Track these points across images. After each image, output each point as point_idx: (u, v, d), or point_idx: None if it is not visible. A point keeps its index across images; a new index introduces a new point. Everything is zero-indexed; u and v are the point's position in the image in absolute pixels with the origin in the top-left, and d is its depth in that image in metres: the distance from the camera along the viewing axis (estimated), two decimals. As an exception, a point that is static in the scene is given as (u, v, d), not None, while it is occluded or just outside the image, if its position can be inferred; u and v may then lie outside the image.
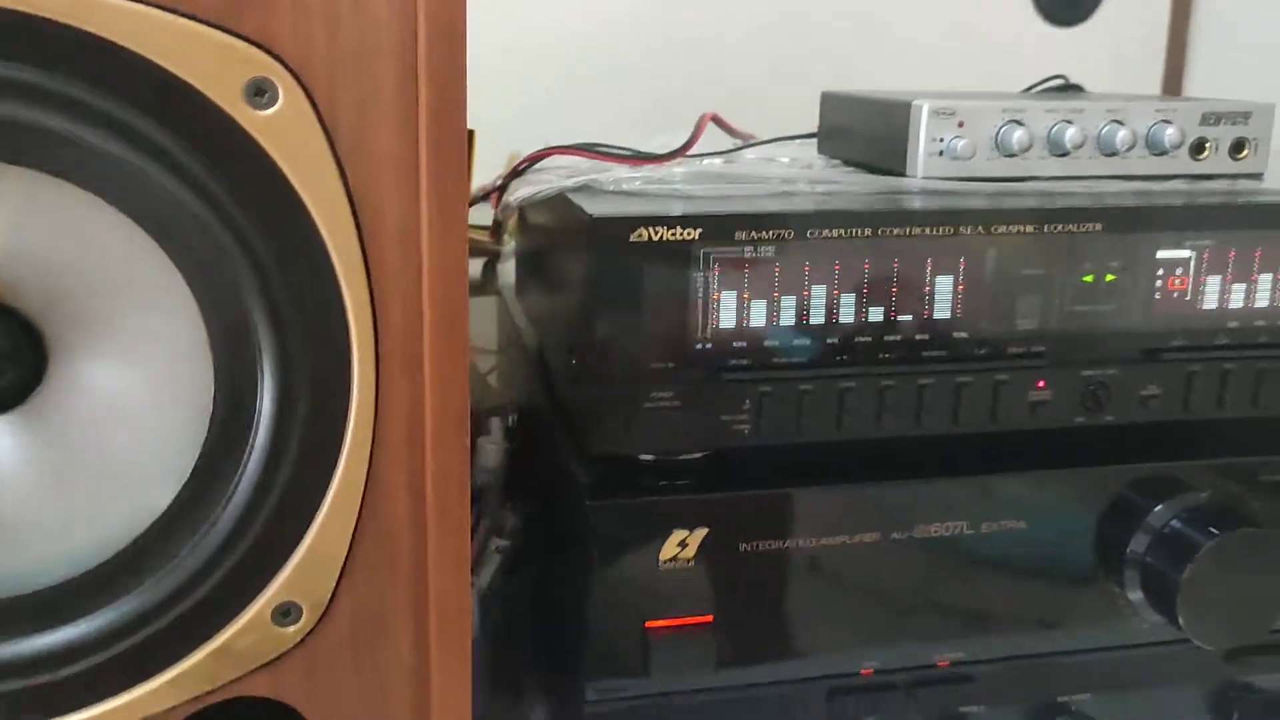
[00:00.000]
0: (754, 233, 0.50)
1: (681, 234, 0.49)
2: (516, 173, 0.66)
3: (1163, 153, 0.61)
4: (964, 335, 0.53)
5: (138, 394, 0.42)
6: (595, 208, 0.50)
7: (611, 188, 0.55)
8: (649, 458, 0.55)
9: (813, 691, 0.57)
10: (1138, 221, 0.54)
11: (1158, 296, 0.55)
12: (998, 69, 1.13)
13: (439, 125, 0.40)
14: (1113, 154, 0.61)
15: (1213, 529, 0.55)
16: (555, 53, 0.99)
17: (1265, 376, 0.57)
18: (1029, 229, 0.52)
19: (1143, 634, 0.59)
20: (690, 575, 0.53)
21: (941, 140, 0.58)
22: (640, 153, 0.64)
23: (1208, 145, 0.62)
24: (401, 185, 0.41)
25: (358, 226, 0.41)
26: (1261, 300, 0.56)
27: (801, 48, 1.09)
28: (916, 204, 0.53)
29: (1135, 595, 0.58)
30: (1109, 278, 0.54)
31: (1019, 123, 0.59)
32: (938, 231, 0.51)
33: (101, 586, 0.41)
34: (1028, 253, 0.53)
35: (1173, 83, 1.21)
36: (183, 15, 0.37)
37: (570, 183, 0.56)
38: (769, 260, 0.50)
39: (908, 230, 0.51)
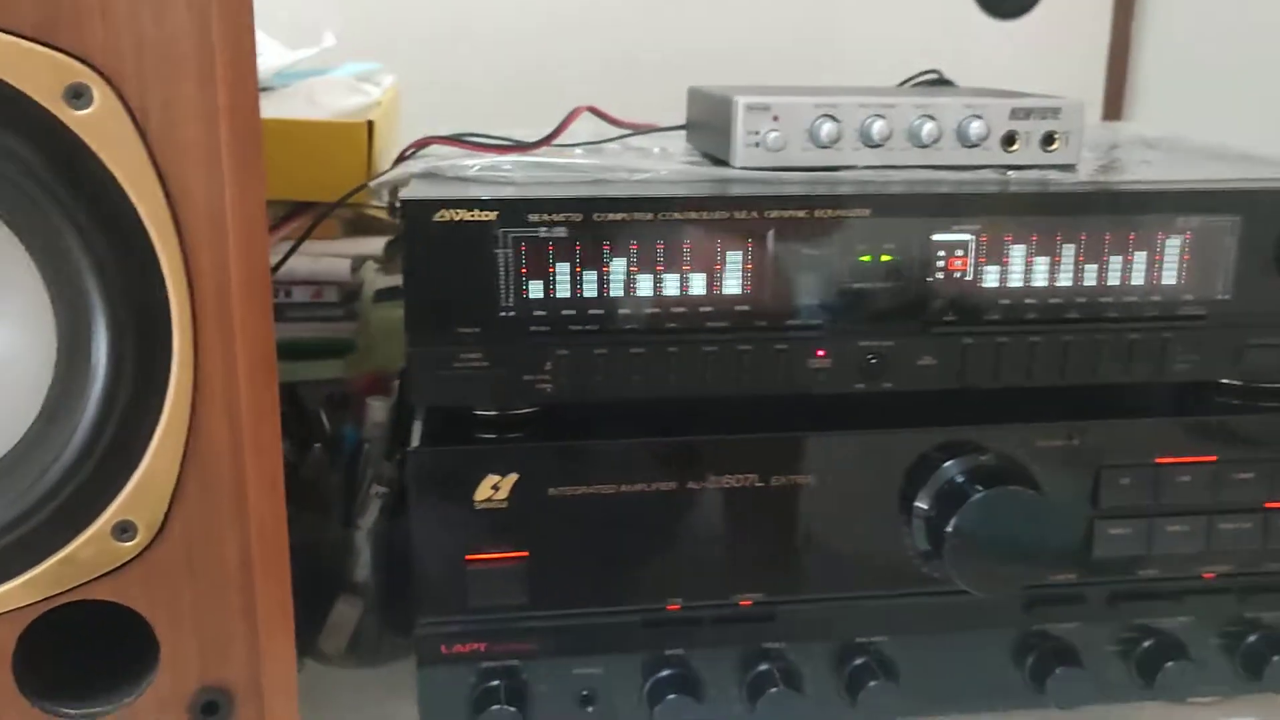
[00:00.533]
0: (545, 215, 0.57)
1: (481, 215, 0.56)
2: (402, 159, 0.74)
3: (973, 145, 0.67)
4: (746, 308, 0.60)
5: (-2, 345, 0.50)
6: (415, 192, 0.58)
7: (450, 174, 0.63)
8: (488, 413, 0.63)
9: (626, 623, 0.64)
10: (903, 206, 0.60)
11: (936, 276, 0.61)
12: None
13: (235, 119, 0.48)
14: (924, 146, 0.66)
15: (979, 486, 0.61)
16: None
17: (1037, 350, 0.62)
18: (800, 213, 0.59)
19: (934, 582, 0.65)
20: (504, 516, 0.61)
21: (757, 133, 0.65)
22: (509, 142, 0.71)
23: (1018, 138, 0.67)
24: (207, 170, 0.49)
25: (170, 205, 0.49)
26: (1037, 280, 0.62)
27: (748, 46, 1.15)
28: (706, 190, 0.60)
29: (922, 546, 0.64)
30: (885, 258, 0.60)
31: (831, 117, 0.65)
32: (712, 215, 0.58)
33: (-36, 503, 0.50)
34: (805, 235, 0.59)
35: (1117, 68, 1.25)
36: (8, 33, 0.45)
37: (417, 168, 0.64)
38: (561, 239, 0.58)
39: (684, 214, 0.58)
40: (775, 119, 0.65)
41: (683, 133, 0.79)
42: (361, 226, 0.86)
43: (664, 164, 0.67)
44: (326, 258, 0.80)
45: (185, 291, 0.50)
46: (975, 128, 0.66)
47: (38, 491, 0.51)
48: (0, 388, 0.51)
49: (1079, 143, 0.68)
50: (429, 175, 0.63)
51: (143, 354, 0.51)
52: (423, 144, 0.74)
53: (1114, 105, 1.24)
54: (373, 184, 0.56)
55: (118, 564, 0.53)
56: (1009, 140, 0.67)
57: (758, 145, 0.65)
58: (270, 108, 0.81)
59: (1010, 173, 0.67)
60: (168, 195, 0.49)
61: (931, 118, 0.66)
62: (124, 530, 0.52)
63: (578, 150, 0.73)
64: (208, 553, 0.54)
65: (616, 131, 0.80)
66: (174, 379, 0.51)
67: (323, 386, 0.82)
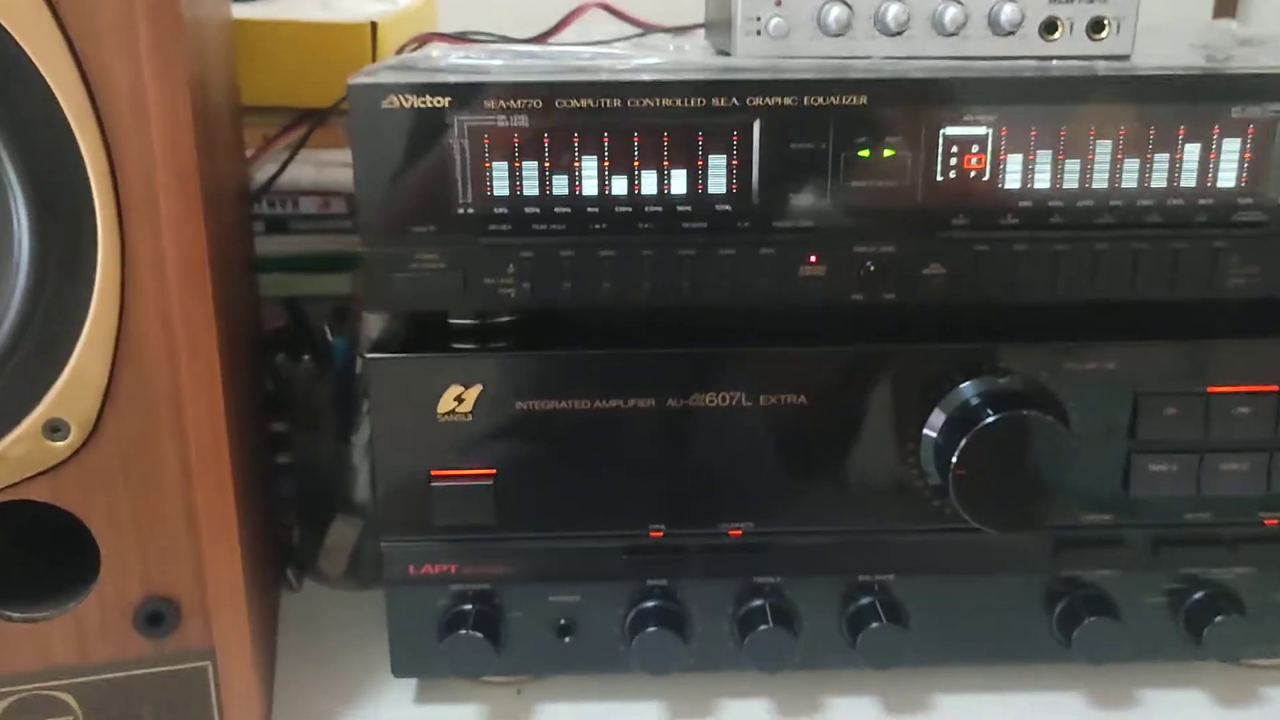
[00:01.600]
0: (503, 101, 0.52)
1: (432, 101, 0.52)
2: (399, 55, 0.70)
3: (1006, 33, 0.59)
4: (728, 208, 0.54)
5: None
6: (361, 77, 0.53)
7: (424, 65, 0.59)
8: (463, 321, 0.59)
9: (606, 549, 0.60)
10: (907, 95, 0.53)
11: (947, 174, 0.54)
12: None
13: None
14: (949, 34, 0.59)
15: (991, 411, 0.55)
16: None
17: (1063, 260, 0.55)
18: (788, 101, 0.53)
19: (947, 518, 0.58)
20: (469, 430, 0.57)
21: (758, 19, 0.59)
22: (507, 38, 0.67)
23: (1059, 25, 0.60)
24: (125, 53, 0.46)
25: (88, 89, 0.46)
26: (1068, 181, 0.55)
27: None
28: (690, 77, 0.54)
29: (932, 478, 0.58)
30: (887, 153, 0.54)
31: (841, 0, 0.59)
32: (690, 103, 0.53)
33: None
34: (795, 127, 0.53)
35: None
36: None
37: (391, 61, 0.60)
38: (523, 128, 0.53)
39: (657, 101, 0.52)
40: (778, 4, 0.59)
41: (704, 32, 0.73)
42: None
43: (670, 59, 0.61)
44: (332, 167, 0.77)
45: (108, 181, 0.48)
46: (1008, 12, 0.59)
47: (-35, 387, 0.49)
48: (-75, 279, 0.49)
49: (1133, 29, 0.60)
50: (400, 68, 0.59)
51: (68, 246, 0.48)
52: (423, 40, 0.70)
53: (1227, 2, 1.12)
54: (350, 81, 0.53)
55: (51, 464, 0.51)
56: (1049, 27, 0.59)
57: (759, 33, 0.59)
58: (279, 10, 0.78)
59: (1055, 64, 0.59)
60: (85, 80, 0.46)
61: (957, 1, 0.59)
62: (55, 429, 0.50)
63: (582, 48, 0.68)
64: (144, 459, 0.52)
65: (634, 31, 0.75)
66: (100, 273, 0.49)
67: (330, 301, 0.80)
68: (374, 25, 0.75)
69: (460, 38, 0.68)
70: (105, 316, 0.49)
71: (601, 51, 0.62)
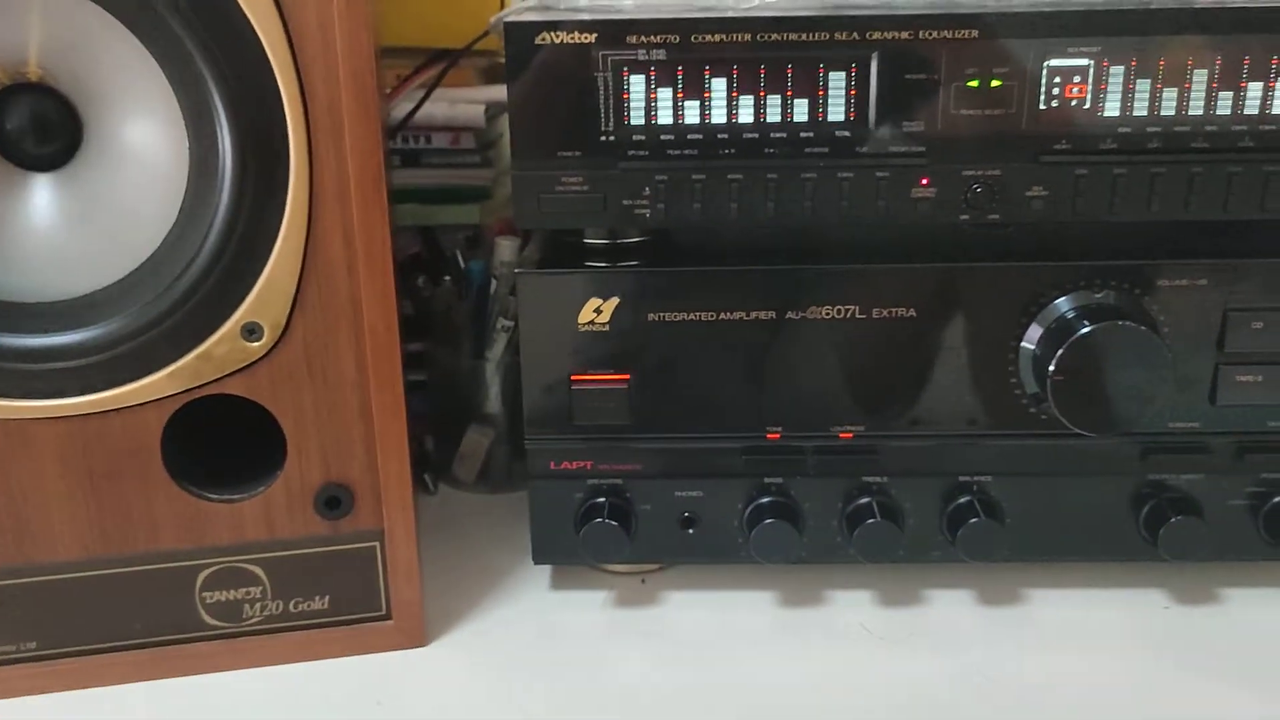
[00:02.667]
0: (644, 36, 0.58)
1: (579, 37, 0.58)
2: None
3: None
4: (846, 134, 0.59)
5: (141, 159, 0.56)
6: (516, 15, 0.59)
7: (563, 5, 0.64)
8: (599, 241, 0.65)
9: (726, 449, 0.65)
10: (1014, 28, 0.57)
11: (1050, 103, 0.59)
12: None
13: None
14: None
15: (1087, 322, 0.59)
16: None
17: (1158, 182, 0.59)
18: (904, 35, 0.57)
19: (1043, 424, 0.63)
20: (606, 339, 0.63)
21: (873, -40, 0.63)
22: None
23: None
24: (318, -7, 0.52)
25: (284, 25, 0.53)
26: (1165, 109, 0.59)
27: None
28: (811, 13, 0.59)
29: (1030, 386, 0.63)
30: (995, 83, 0.59)
31: (953, -58, 0.63)
32: (814, 38, 0.58)
33: (114, 302, 0.56)
34: (909, 59, 0.58)
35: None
36: None
37: (532, 2, 0.66)
38: (661, 62, 0.58)
39: (784, 36, 0.57)
40: (893, -55, 0.63)
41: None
42: (498, 74, 0.88)
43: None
44: (462, 104, 0.83)
45: (300, 108, 0.54)
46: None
47: (179, 289, 0.56)
48: (145, 196, 0.56)
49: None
50: (541, 8, 0.64)
51: (265, 167, 0.55)
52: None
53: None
54: (491, 21, 0.58)
55: (247, 362, 0.58)
56: (1150, -37, 0.63)
57: (874, -27, 0.63)
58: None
59: (1153, -1, 0.62)
60: (281, 15, 0.52)
61: (1063, -61, 0.62)
62: (251, 331, 0.57)
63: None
64: (327, 359, 0.58)
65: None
66: (291, 192, 0.55)
67: (460, 231, 0.86)
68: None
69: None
70: (295, 231, 0.56)
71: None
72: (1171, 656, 0.63)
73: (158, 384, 0.57)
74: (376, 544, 0.62)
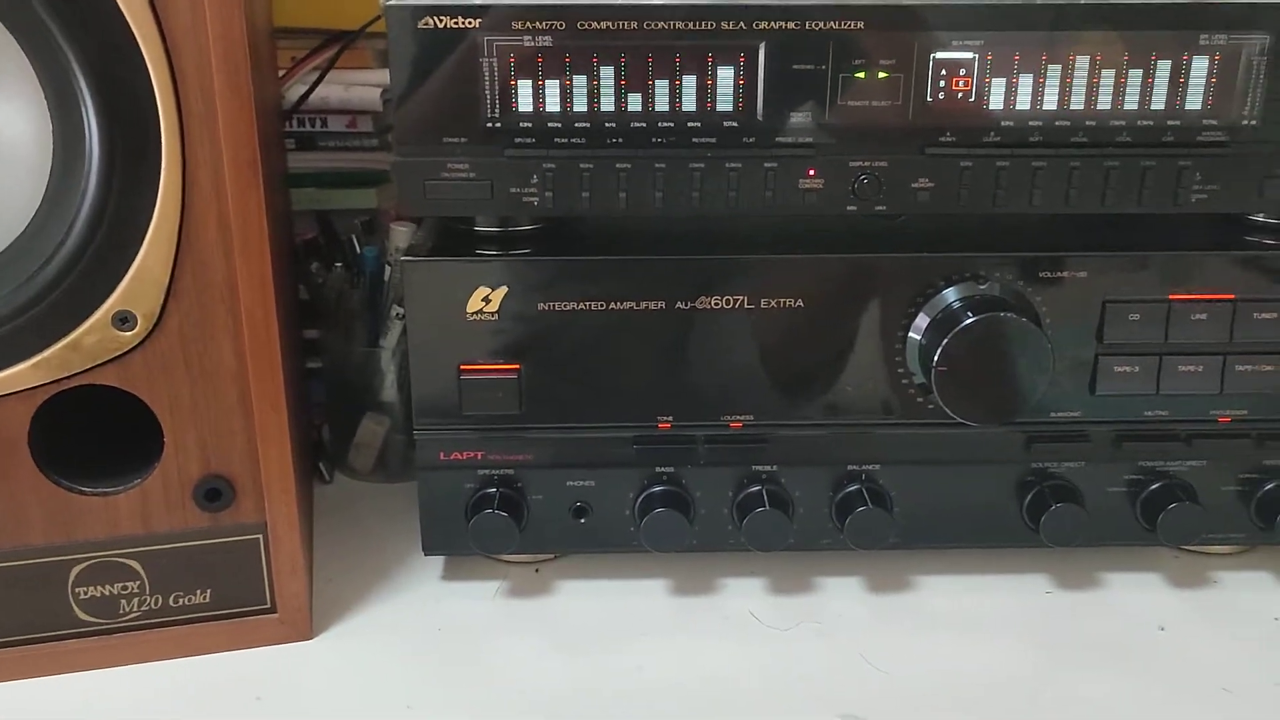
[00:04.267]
0: (529, 22, 0.57)
1: (463, 22, 0.57)
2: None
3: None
4: (734, 124, 0.59)
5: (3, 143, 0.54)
6: (405, 1, 0.58)
7: (453, -11, 0.63)
8: (490, 228, 0.64)
9: (618, 438, 0.65)
10: (901, 21, 0.58)
11: (936, 95, 0.59)
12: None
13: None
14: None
15: (971, 314, 0.60)
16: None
17: (1040, 176, 0.60)
18: (791, 26, 0.57)
19: (931, 413, 0.64)
20: (496, 328, 0.62)
21: (764, -51, 0.63)
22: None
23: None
24: (185, -33, 0.51)
25: (152, 6, 0.51)
26: (1047, 104, 0.60)
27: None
28: (701, 2, 0.58)
29: (917, 376, 0.63)
30: (882, 75, 0.59)
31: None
32: (702, 27, 0.57)
33: (-24, 288, 0.54)
34: (797, 50, 0.58)
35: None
36: None
37: (420, -14, 0.64)
38: (547, 48, 0.57)
39: (671, 24, 0.57)
40: (784, -67, 0.63)
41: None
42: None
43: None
44: (358, 87, 0.82)
45: (170, 91, 0.52)
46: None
47: (44, 278, 0.54)
48: (4, 180, 0.54)
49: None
50: (430, -10, 0.63)
51: (134, 151, 0.53)
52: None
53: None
54: (382, 3, 0.57)
55: (120, 352, 0.56)
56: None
57: (765, -39, 0.63)
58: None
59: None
60: (149, -6, 0.51)
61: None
62: (124, 320, 0.56)
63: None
64: (203, 347, 0.57)
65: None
66: (163, 178, 0.54)
67: (358, 215, 0.85)
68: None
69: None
70: (168, 217, 0.55)
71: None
72: (1052, 640, 0.64)
73: (22, 374, 0.56)
74: (260, 536, 0.61)
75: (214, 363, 0.57)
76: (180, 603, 0.61)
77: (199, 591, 0.61)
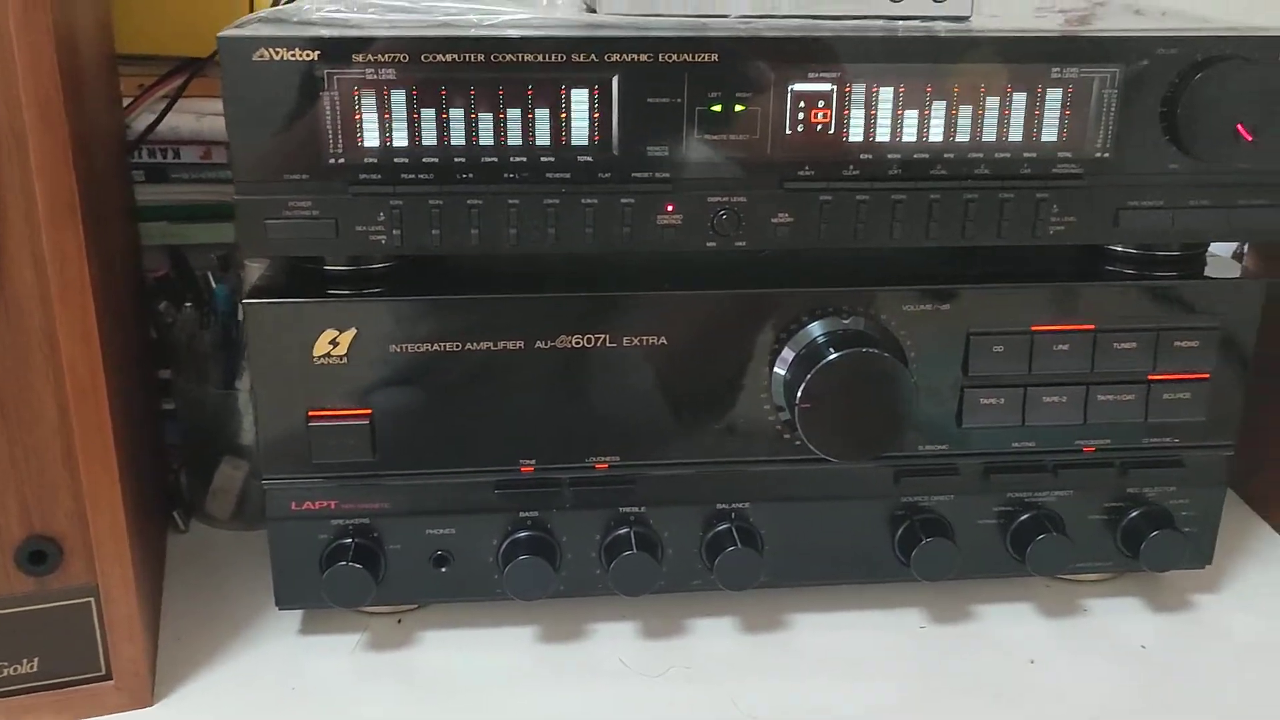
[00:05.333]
0: (371, 55, 0.54)
1: (302, 55, 0.54)
2: (275, 3, 0.71)
3: (856, -7, 0.63)
4: (589, 159, 0.57)
5: None
6: (233, 30, 0.55)
7: (296, 17, 0.60)
8: (340, 268, 0.61)
9: (478, 484, 0.63)
10: (755, 53, 0.56)
11: (796, 129, 0.58)
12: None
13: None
14: (802, -7, 0.62)
15: (833, 350, 0.59)
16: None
17: (899, 209, 0.59)
18: (644, 58, 0.56)
19: (799, 449, 0.63)
20: (345, 372, 0.59)
21: (623, -24, 0.61)
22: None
23: (904, -13, 0.63)
24: (-12, -6, 0.47)
25: (-48, 33, 0.47)
26: (904, 134, 0.59)
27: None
28: (550, 34, 0.57)
29: (784, 413, 0.62)
30: (739, 108, 0.57)
31: (705, -41, 0.61)
32: (553, 59, 0.55)
33: None
34: (651, 82, 0.56)
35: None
36: None
37: (265, 13, 0.62)
38: (392, 82, 0.55)
39: (520, 57, 0.55)
40: (639, -38, 0.61)
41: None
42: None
43: (539, 13, 0.64)
44: (212, 117, 0.78)
45: (-25, 124, 0.49)
46: (856, -26, 0.62)
47: None
48: None
49: (970, -9, 0.64)
50: (273, 20, 0.60)
51: (-63, 191, 0.49)
52: (300, -8, 0.71)
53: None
54: (220, 34, 0.54)
55: (-73, 409, 0.52)
56: (895, -11, 0.63)
57: (624, -11, 0.61)
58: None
59: (899, 24, 0.62)
60: (-52, 22, 0.47)
61: (808, -38, 0.62)
62: (-68, 374, 0.52)
63: (454, 2, 0.69)
64: (21, 399, 0.53)
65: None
66: (-28, 218, 0.50)
67: (214, 250, 0.81)
68: (253, -27, 0.76)
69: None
70: (-22, 261, 0.51)
71: (472, 6, 0.64)
72: (925, 676, 0.63)
73: None
74: (91, 599, 0.57)
75: (33, 416, 0.54)
76: (4, 674, 0.57)
77: (25, 661, 0.57)
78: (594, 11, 0.63)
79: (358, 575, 0.61)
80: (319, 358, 0.59)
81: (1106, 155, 0.60)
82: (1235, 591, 0.71)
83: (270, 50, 0.54)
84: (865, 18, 0.63)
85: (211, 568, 0.73)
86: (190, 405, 0.76)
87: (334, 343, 0.59)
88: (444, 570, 0.64)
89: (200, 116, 0.78)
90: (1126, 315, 0.63)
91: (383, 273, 0.62)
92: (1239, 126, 0.58)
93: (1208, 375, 0.64)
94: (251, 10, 0.77)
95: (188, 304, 0.74)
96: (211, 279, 0.77)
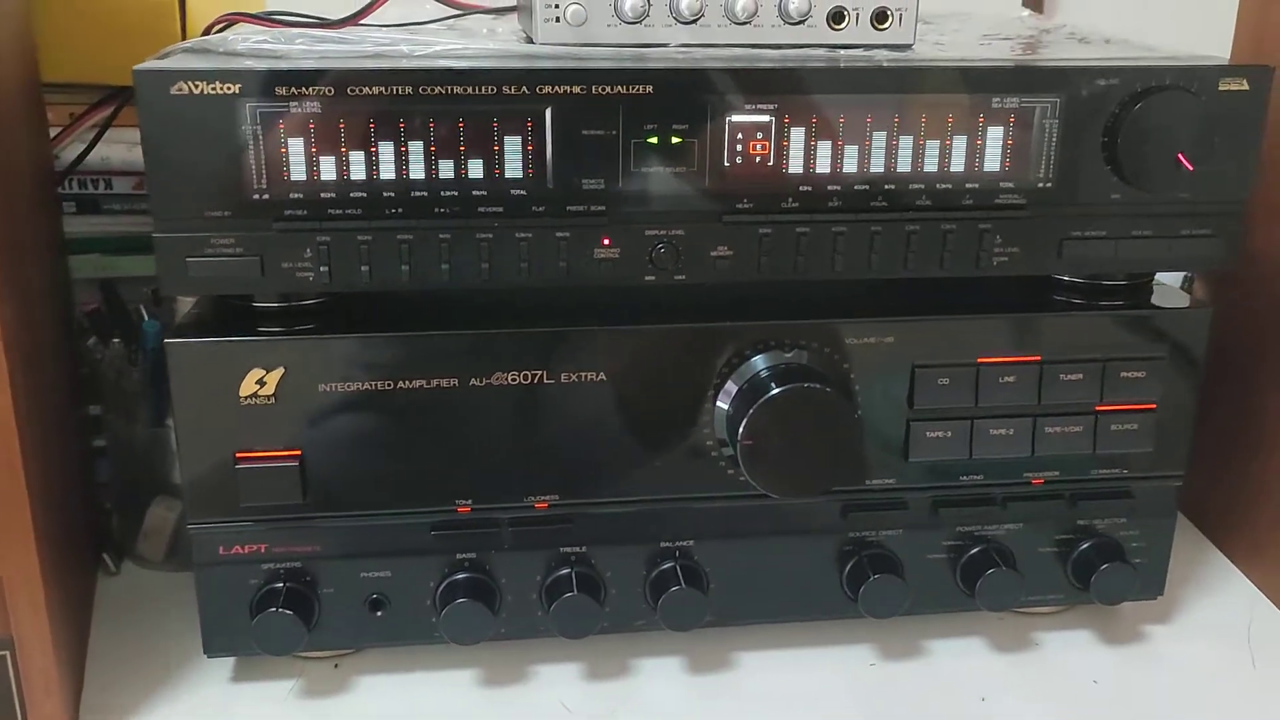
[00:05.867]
0: (294, 88, 0.53)
1: (222, 88, 0.52)
2: (206, 34, 0.69)
3: (795, 22, 0.62)
4: (522, 192, 0.56)
5: None
6: (150, 64, 0.53)
7: (220, 49, 0.58)
8: (269, 304, 0.59)
9: (414, 525, 0.61)
10: (691, 84, 0.55)
11: (735, 160, 0.57)
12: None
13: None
14: (741, 22, 0.62)
15: (775, 385, 0.58)
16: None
17: (840, 241, 0.58)
18: (577, 90, 0.55)
19: (743, 485, 0.61)
20: (273, 412, 0.58)
21: (556, 6, 0.60)
22: (317, 20, 0.67)
23: (846, 15, 0.62)
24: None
25: None
26: (847, 168, 0.58)
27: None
28: (481, 65, 0.55)
29: (728, 449, 0.61)
30: (675, 140, 0.56)
31: (637, -11, 0.60)
32: (484, 91, 0.54)
33: None
34: (586, 114, 0.55)
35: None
36: None
37: (190, 44, 0.60)
38: (318, 115, 0.53)
39: (449, 89, 0.54)
40: (575, -9, 0.60)
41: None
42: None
43: (474, 44, 0.62)
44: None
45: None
46: (795, 2, 0.61)
47: None
48: None
49: (914, 19, 0.63)
50: (197, 51, 0.59)
51: None
52: (231, 20, 0.69)
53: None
54: (136, 68, 0.52)
55: None
56: (836, 17, 0.62)
57: (557, 20, 0.60)
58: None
59: (841, 53, 0.62)
60: None
61: (748, -10, 0.61)
62: None
63: (388, 33, 0.68)
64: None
65: (453, 12, 0.75)
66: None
67: (148, 283, 0.79)
68: (183, 1, 0.74)
69: (267, 18, 0.67)
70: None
71: (406, 36, 0.62)
72: (877, 714, 0.62)
73: None
74: (6, 654, 0.55)
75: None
76: (-87, 732, 0.54)
77: (-64, 718, 0.55)
78: (532, 42, 0.62)
79: (288, 622, 0.59)
80: (246, 398, 0.57)
81: (1049, 186, 0.59)
82: (1187, 622, 0.70)
83: (189, 84, 0.52)
84: (807, 46, 0.62)
85: (142, 612, 0.70)
86: (120, 444, 0.73)
87: (261, 382, 0.57)
88: (380, 614, 0.62)
89: (132, 146, 0.76)
90: (1073, 346, 0.62)
91: (314, 309, 0.60)
92: (1180, 156, 0.57)
93: (1154, 405, 0.63)
94: (184, 37, 0.75)
95: (115, 340, 0.72)
96: (145, 312, 0.75)
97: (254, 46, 0.59)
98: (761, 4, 0.61)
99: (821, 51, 0.61)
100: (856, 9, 0.62)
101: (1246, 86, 0.58)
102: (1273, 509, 0.71)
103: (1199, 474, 0.65)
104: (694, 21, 0.61)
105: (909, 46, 0.63)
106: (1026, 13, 0.92)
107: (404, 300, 0.60)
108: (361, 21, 0.67)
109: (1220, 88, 0.58)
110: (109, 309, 0.76)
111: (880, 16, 0.63)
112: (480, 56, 0.58)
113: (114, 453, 0.74)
